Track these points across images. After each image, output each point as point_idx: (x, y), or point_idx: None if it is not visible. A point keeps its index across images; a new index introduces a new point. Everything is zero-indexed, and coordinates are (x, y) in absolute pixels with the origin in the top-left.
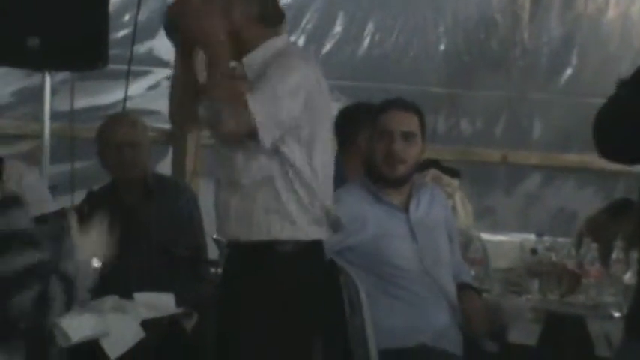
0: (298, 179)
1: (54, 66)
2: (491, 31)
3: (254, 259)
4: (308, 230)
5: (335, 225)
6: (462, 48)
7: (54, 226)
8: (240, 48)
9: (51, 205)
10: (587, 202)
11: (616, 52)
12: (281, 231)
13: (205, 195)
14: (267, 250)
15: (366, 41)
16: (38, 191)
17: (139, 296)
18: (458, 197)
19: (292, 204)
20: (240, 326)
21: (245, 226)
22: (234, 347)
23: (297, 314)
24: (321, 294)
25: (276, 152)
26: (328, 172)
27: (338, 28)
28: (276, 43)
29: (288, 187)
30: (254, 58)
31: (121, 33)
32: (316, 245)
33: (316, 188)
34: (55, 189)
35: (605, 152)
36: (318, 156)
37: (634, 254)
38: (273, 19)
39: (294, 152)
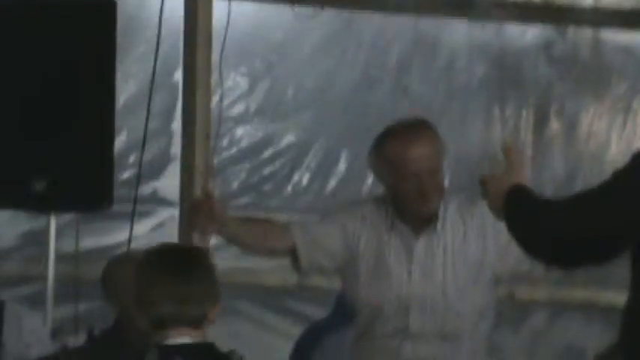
0: None
1: (59, 208)
2: (494, 166)
3: None
4: None
5: None
6: (465, 183)
7: None
8: None
9: (50, 348)
10: (596, 339)
11: None
12: None
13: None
14: None
15: (370, 179)
16: (38, 334)
17: None
18: None
19: None
20: None
21: None
22: None
23: None
24: None
25: None
26: None
27: (342, 166)
28: None
29: None
30: None
31: (126, 174)
32: None
33: None
34: (58, 332)
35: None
36: None
37: None
38: None
39: None
